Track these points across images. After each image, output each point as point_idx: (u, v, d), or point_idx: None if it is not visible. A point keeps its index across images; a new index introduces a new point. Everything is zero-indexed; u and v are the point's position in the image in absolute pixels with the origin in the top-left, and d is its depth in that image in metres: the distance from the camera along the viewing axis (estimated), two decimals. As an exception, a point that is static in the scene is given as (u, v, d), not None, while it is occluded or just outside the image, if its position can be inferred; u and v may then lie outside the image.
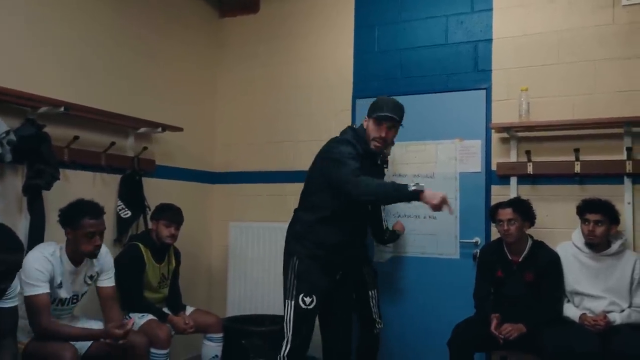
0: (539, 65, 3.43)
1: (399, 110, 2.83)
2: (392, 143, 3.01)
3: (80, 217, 2.60)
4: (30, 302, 2.49)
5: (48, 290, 2.54)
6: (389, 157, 3.30)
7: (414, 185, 2.46)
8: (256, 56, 4.31)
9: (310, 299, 2.65)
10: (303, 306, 2.65)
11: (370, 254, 3.45)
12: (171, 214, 3.29)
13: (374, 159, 2.87)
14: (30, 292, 2.49)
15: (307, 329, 2.72)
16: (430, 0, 3.76)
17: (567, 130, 3.29)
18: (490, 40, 3.57)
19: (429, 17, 3.76)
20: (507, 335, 2.85)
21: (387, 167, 3.17)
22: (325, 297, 2.76)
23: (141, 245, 3.22)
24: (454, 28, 3.69)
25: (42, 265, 2.54)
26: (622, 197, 3.13)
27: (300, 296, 2.66)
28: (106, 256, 2.83)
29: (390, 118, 2.76)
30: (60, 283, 2.64)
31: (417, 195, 2.45)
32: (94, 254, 2.69)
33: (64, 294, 2.68)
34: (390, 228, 3.46)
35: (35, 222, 2.85)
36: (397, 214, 3.68)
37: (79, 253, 2.65)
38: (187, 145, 4.07)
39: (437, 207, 2.44)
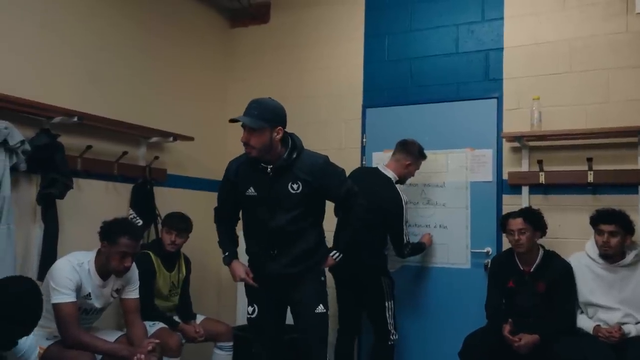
0: (550, 74, 3.41)
1: (252, 108, 2.49)
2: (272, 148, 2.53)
3: (119, 235, 2.62)
4: (56, 309, 2.52)
5: (74, 300, 2.56)
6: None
7: (224, 257, 2.78)
8: (266, 65, 4.33)
9: (252, 308, 2.73)
10: (247, 315, 2.76)
11: (384, 264, 3.40)
12: (171, 221, 3.29)
13: (264, 169, 2.57)
14: (56, 299, 2.51)
15: (259, 335, 2.76)
16: (440, 10, 3.76)
17: (580, 140, 3.27)
18: (501, 49, 3.56)
19: (440, 26, 3.76)
20: (521, 350, 2.82)
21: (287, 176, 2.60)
22: (274, 306, 2.73)
23: (152, 254, 3.24)
24: (464, 37, 3.68)
25: (71, 274, 2.57)
26: (637, 207, 3.09)
27: (247, 306, 2.76)
28: (132, 269, 2.82)
29: (236, 120, 2.51)
30: (89, 294, 2.66)
31: (226, 264, 2.79)
32: (120, 273, 2.70)
33: (96, 303, 2.71)
34: (413, 242, 3.40)
35: (49, 231, 2.89)
36: (406, 222, 3.65)
37: (107, 268, 2.67)
38: (198, 154, 4.09)
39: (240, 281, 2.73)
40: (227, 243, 2.80)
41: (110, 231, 2.65)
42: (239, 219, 2.83)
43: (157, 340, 2.70)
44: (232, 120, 2.53)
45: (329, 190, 2.66)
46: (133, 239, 2.66)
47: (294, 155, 2.57)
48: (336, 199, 2.75)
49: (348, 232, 2.82)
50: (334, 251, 2.79)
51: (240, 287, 4.07)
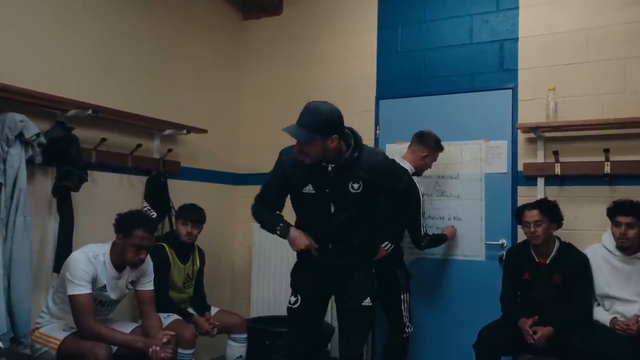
0: (566, 64, 3.37)
1: (304, 118, 2.39)
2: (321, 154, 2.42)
3: (134, 227, 2.63)
4: (72, 301, 2.54)
5: (90, 291, 2.58)
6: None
7: (278, 229, 2.61)
8: (279, 58, 4.32)
9: (295, 299, 2.66)
10: (289, 305, 2.69)
11: (400, 256, 3.39)
12: (187, 212, 3.30)
13: (324, 168, 2.49)
14: (72, 291, 2.53)
15: (296, 326, 2.70)
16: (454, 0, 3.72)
17: (596, 130, 3.22)
18: (516, 39, 3.52)
19: (453, 16, 3.72)
20: (536, 343, 2.80)
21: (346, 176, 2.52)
22: (319, 298, 2.69)
23: (166, 246, 3.26)
24: (479, 27, 3.65)
25: (86, 266, 2.59)
26: (654, 198, 3.05)
27: (290, 295, 2.70)
28: (147, 261, 2.83)
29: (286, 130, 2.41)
30: (104, 286, 2.68)
31: (283, 235, 2.62)
32: (136, 265, 2.72)
33: (112, 295, 2.73)
34: (431, 234, 3.38)
35: (64, 223, 2.91)
36: (423, 214, 3.62)
37: (123, 260, 2.69)
38: (211, 147, 4.10)
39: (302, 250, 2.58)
40: (276, 218, 2.66)
41: (125, 223, 2.66)
42: (283, 207, 2.73)
43: (172, 332, 2.71)
44: (286, 130, 2.41)
45: (390, 188, 2.63)
46: (148, 231, 2.67)
47: (356, 155, 2.48)
48: (393, 194, 2.70)
49: (400, 224, 2.79)
50: (386, 242, 2.75)
51: (255, 279, 4.11)
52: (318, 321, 2.74)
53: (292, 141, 2.50)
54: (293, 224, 2.69)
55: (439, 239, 3.42)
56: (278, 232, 2.62)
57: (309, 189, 2.54)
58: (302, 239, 2.55)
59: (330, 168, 2.48)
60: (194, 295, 3.44)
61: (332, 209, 2.53)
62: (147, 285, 2.85)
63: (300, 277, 2.69)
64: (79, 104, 2.95)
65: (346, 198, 2.51)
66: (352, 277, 2.59)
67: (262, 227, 2.73)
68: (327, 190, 2.51)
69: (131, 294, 2.96)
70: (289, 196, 2.69)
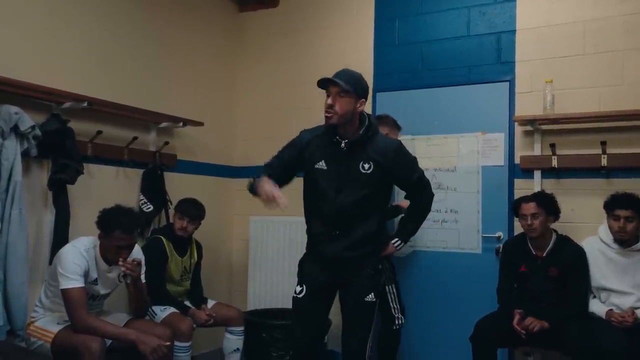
0: (564, 56, 3.36)
1: (341, 74, 2.46)
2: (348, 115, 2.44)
3: (113, 227, 2.60)
4: (65, 295, 2.53)
5: (83, 285, 2.57)
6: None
7: (253, 181, 2.50)
8: (276, 50, 4.30)
9: (301, 288, 2.62)
10: (294, 294, 2.65)
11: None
12: (184, 207, 3.30)
13: (338, 143, 2.50)
14: (65, 284, 2.52)
15: (300, 317, 2.63)
16: (451, -9, 3.71)
17: (593, 123, 3.22)
18: (513, 31, 3.51)
19: (450, 8, 3.70)
20: (530, 327, 2.80)
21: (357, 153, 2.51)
22: (324, 290, 2.63)
23: (164, 239, 3.26)
24: (476, 19, 3.63)
25: (79, 259, 2.58)
26: (651, 191, 3.06)
27: (296, 285, 2.66)
28: (138, 254, 2.83)
29: (324, 81, 2.44)
30: (96, 280, 2.68)
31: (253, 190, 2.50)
32: (117, 263, 2.70)
33: (101, 290, 2.73)
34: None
35: (60, 216, 2.90)
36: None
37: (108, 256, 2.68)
38: (207, 139, 4.09)
39: (267, 204, 2.44)
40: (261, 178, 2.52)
41: (105, 222, 2.63)
42: (286, 181, 2.64)
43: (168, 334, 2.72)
44: (322, 80, 2.44)
45: (401, 175, 2.59)
46: (127, 233, 2.62)
47: (370, 134, 2.51)
48: (406, 185, 2.68)
49: (415, 221, 2.76)
50: (396, 238, 2.73)
51: (252, 272, 4.10)
52: (322, 314, 2.68)
53: (288, 135, 2.51)
54: (303, 218, 2.66)
55: (394, 209, 3.28)
56: (251, 184, 2.52)
57: (321, 164, 2.54)
58: (269, 187, 2.39)
59: (343, 144, 2.49)
60: (191, 288, 3.44)
61: (341, 188, 2.50)
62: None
63: (306, 268, 2.66)
64: (74, 96, 2.93)
65: (356, 178, 2.49)
66: (358, 272, 2.56)
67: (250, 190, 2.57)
68: (338, 166, 2.51)
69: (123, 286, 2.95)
70: (296, 183, 2.65)
